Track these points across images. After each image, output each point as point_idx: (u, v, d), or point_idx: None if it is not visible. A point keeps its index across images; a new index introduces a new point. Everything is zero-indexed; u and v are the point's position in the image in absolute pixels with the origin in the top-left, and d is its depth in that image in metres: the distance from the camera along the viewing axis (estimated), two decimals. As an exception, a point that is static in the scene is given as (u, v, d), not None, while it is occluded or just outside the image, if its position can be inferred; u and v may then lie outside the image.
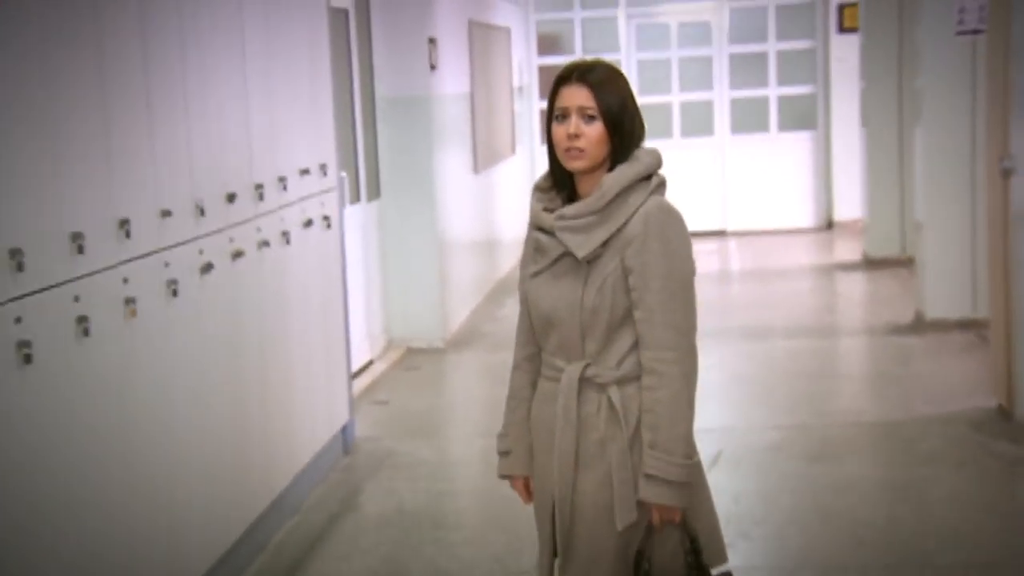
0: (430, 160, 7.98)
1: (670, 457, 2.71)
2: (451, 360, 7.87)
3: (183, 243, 4.01)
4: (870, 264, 10.18)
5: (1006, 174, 5.79)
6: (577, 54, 12.35)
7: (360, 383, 7.12)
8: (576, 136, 2.77)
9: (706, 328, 8.29)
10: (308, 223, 5.35)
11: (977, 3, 7.36)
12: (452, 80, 8.59)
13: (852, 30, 11.68)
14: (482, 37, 9.73)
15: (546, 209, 2.87)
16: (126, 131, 3.63)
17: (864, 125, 10.17)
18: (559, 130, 2.80)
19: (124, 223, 3.57)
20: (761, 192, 12.49)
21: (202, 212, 4.17)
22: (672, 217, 2.77)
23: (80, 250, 3.29)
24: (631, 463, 2.75)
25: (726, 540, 4.69)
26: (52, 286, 3.17)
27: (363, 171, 7.68)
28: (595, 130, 2.76)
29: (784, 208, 12.47)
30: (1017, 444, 5.61)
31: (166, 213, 3.88)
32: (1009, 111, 5.76)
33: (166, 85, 3.94)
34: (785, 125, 12.52)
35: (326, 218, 5.64)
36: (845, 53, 11.96)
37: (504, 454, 3.01)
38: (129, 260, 3.60)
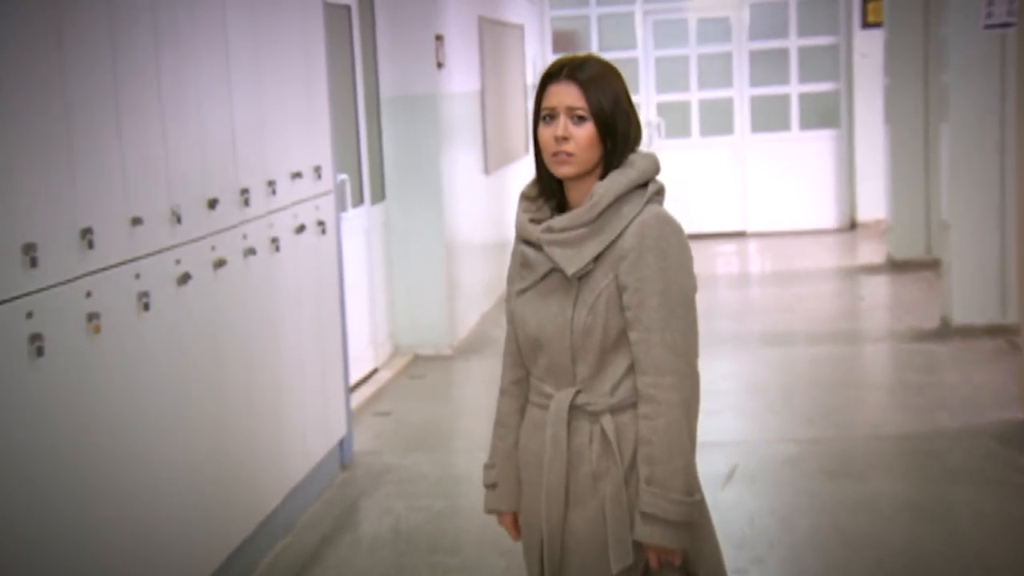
0: (437, 161, 7.74)
1: (668, 494, 2.45)
2: (459, 368, 7.62)
3: (156, 252, 3.77)
4: (894, 266, 9.87)
5: (1037, 174, 5.49)
6: (593, 51, 12.08)
7: (362, 393, 6.88)
8: (564, 139, 2.51)
9: (723, 333, 8.06)
10: (300, 229, 5.11)
11: (1006, -4, 7.06)
12: (461, 78, 8.35)
13: (876, 25, 11.40)
14: (493, 34, 9.49)
15: (533, 220, 2.62)
16: (90, 132, 3.39)
17: (888, 122, 9.87)
18: (546, 132, 2.55)
19: (87, 232, 3.33)
20: (782, 192, 12.22)
21: (179, 219, 3.93)
22: (670, 228, 2.51)
23: (34, 263, 3.05)
24: (626, 500, 2.50)
25: (739, 565, 4.47)
26: (2, 301, 2.93)
27: (366, 173, 7.44)
28: (585, 132, 2.51)
29: (805, 208, 12.19)
30: (1049, 460, 5.32)
31: (136, 221, 3.63)
32: (1040, 108, 5.46)
33: (137, 82, 3.70)
34: (807, 123, 12.25)
35: (321, 223, 5.39)
36: (869, 49, 11.68)
37: (491, 487, 2.77)
38: (92, 272, 3.36)
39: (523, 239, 2.63)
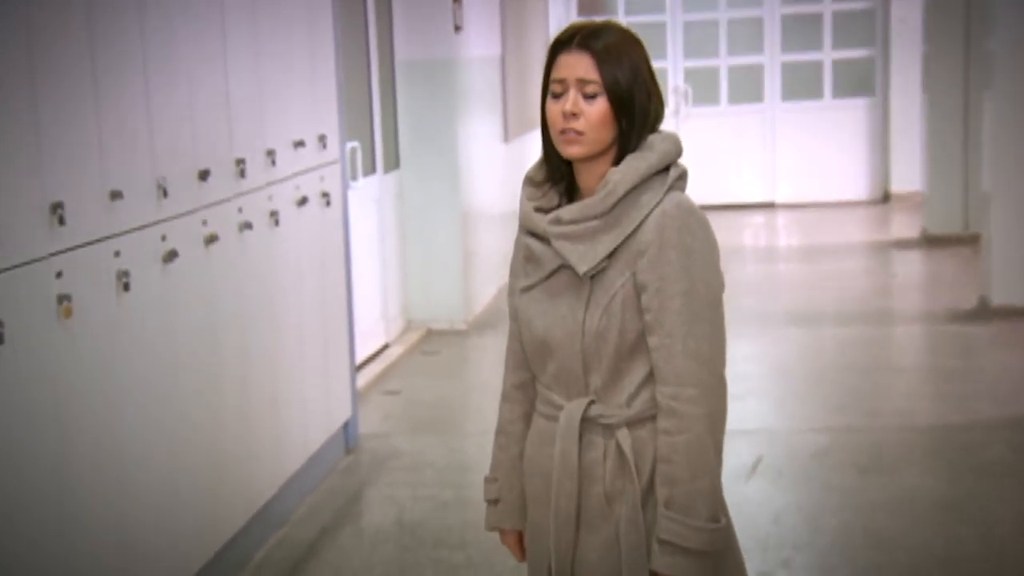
0: (454, 129, 7.43)
1: (690, 520, 2.17)
2: (473, 344, 7.34)
3: (138, 228, 3.48)
4: (929, 242, 9.49)
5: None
6: (620, 15, 11.72)
7: (371, 370, 6.61)
8: (573, 115, 2.21)
9: (747, 312, 7.70)
10: (303, 201, 4.82)
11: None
12: (480, 42, 8.02)
13: (914, -11, 10.99)
14: (515, -4, 9.15)
15: (539, 209, 2.31)
16: (60, 97, 3.10)
17: (926, 91, 9.48)
18: (554, 108, 2.25)
19: (57, 207, 3.04)
20: (813, 162, 11.86)
21: (165, 193, 3.64)
22: (694, 219, 2.20)
23: (-7, 243, 2.77)
24: (643, 524, 2.22)
25: (763, 569, 4.19)
26: (-47, 287, 2.66)
27: (379, 140, 7.14)
28: (597, 109, 2.20)
29: (837, 179, 11.84)
30: (1096, 456, 5.00)
31: (116, 195, 3.35)
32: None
33: (117, 42, 3.40)
34: (840, 91, 11.87)
35: (325, 195, 5.10)
36: (906, 14, 11.30)
37: (492, 502, 2.49)
38: (63, 251, 3.08)
39: (527, 230, 2.33)
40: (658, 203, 2.20)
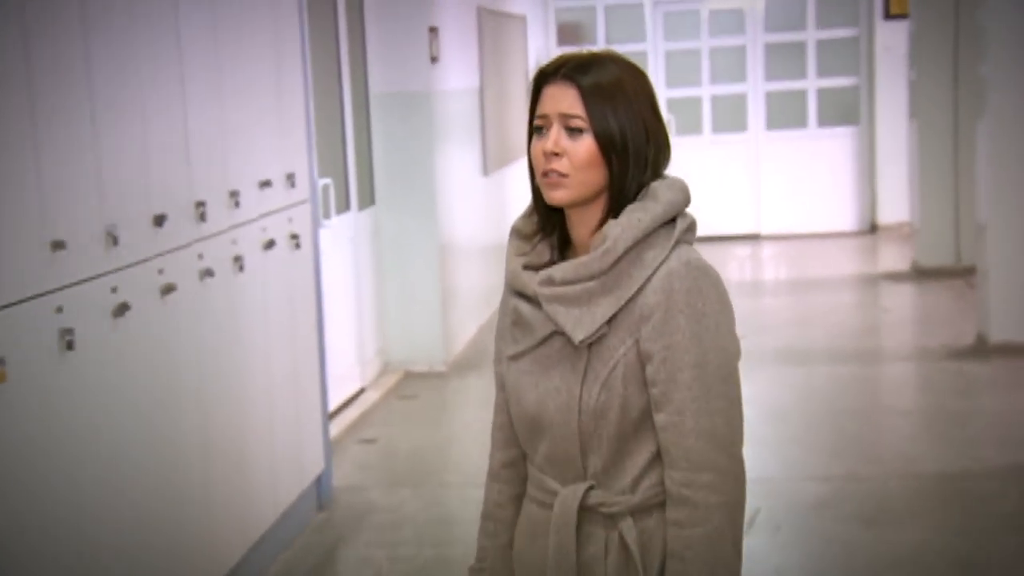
0: (431, 163, 7.16)
1: (705, 630, 1.88)
2: (453, 387, 7.03)
3: (83, 281, 3.18)
4: (921, 274, 9.23)
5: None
6: (600, 45, 11.50)
7: (347, 417, 6.31)
8: (555, 154, 1.93)
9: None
10: (270, 244, 4.52)
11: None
12: (457, 74, 7.77)
13: (900, 16, 10.86)
14: (494, 26, 8.91)
15: (528, 267, 2.03)
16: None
17: (914, 119, 9.27)
18: (537, 146, 1.98)
19: (-11, 262, 2.74)
20: (798, 193, 11.64)
21: (115, 240, 3.34)
22: (706, 279, 1.93)
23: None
24: (651, 631, 1.94)
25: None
26: None
27: (353, 176, 6.86)
28: (583, 148, 1.94)
29: (823, 210, 11.63)
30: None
31: (58, 245, 3.05)
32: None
33: (61, 84, 3.12)
34: (825, 120, 11.68)
35: (294, 237, 4.80)
36: (892, 42, 11.12)
37: (478, 597, 2.20)
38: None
39: (515, 291, 2.04)
40: (664, 261, 1.93)
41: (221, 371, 4.10)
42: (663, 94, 11.77)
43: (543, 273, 1.98)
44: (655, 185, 1.97)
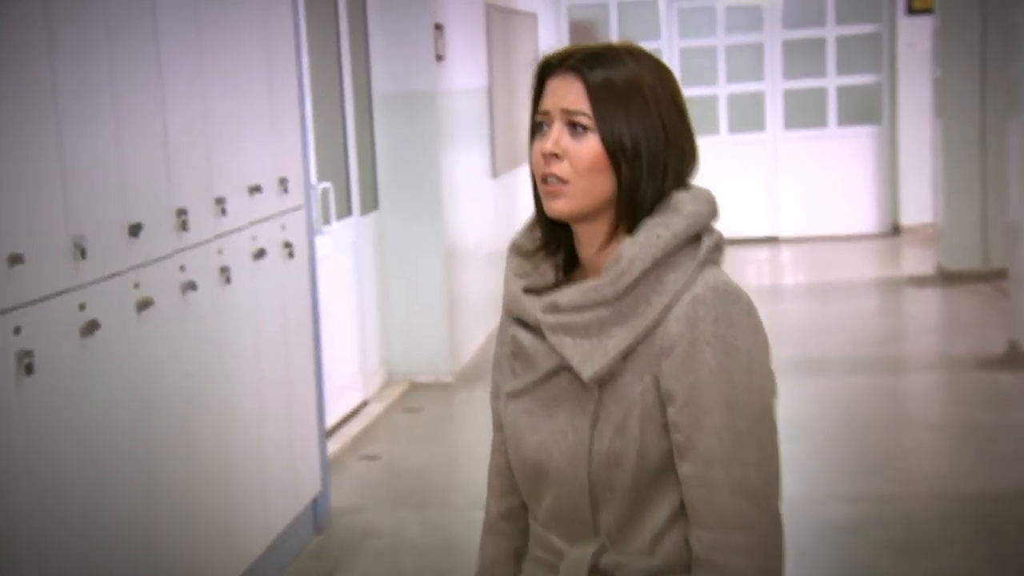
0: (437, 165, 6.88)
1: None
2: (460, 398, 6.75)
3: (47, 298, 2.91)
4: (946, 278, 8.90)
5: None
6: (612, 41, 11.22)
7: (347, 431, 6.04)
8: (554, 156, 1.66)
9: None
10: (260, 254, 4.24)
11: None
12: (465, 73, 7.50)
13: (923, 12, 10.57)
14: (503, 24, 8.64)
15: (529, 290, 1.75)
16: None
17: (940, 118, 8.95)
18: (536, 148, 1.70)
19: (-68, 280, 2.47)
20: (818, 194, 11.34)
21: (83, 253, 3.07)
22: (736, 305, 1.65)
23: None
24: None
25: None
26: None
27: (355, 180, 6.58)
28: (586, 149, 1.67)
29: (843, 212, 11.33)
30: None
31: (15, 259, 2.77)
32: None
33: (20, 78, 2.84)
34: (845, 119, 11.38)
35: (288, 245, 4.52)
36: (915, 38, 10.82)
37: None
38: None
39: (515, 317, 1.76)
40: (687, 284, 1.64)
41: (206, 391, 3.82)
42: (678, 93, 11.50)
43: (547, 298, 1.70)
44: (677, 196, 1.68)
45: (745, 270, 10.09)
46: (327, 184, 5.94)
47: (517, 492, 1.84)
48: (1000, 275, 7.88)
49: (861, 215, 11.35)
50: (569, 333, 1.66)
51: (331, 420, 5.76)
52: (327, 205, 5.94)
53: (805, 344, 7.52)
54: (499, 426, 1.84)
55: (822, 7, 11.36)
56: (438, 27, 6.91)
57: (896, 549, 4.41)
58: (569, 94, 1.67)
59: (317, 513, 4.86)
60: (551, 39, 11.09)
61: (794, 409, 6.17)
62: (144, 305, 3.37)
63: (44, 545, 2.86)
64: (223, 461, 3.94)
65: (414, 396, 6.76)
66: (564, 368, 1.69)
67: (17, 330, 2.78)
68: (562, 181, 1.66)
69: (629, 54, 1.72)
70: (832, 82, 11.42)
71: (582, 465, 1.67)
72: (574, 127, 1.67)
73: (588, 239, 1.72)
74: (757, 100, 11.58)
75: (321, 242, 5.60)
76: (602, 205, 1.68)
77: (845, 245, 10.90)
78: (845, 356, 7.22)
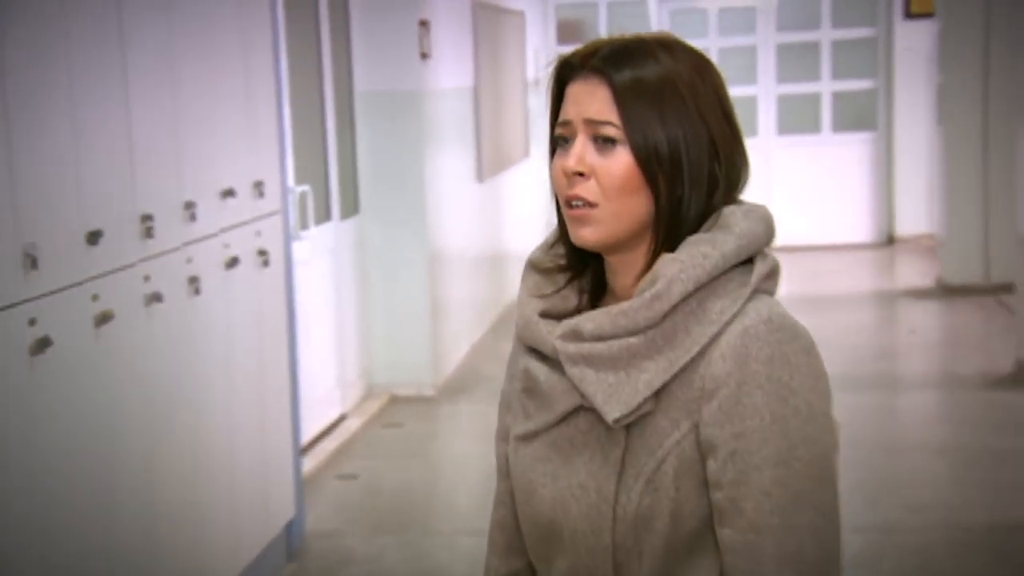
0: (420, 167, 6.61)
1: None
2: (443, 413, 6.46)
3: (-7, 313, 2.62)
4: (947, 291, 8.62)
5: None
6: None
7: (324, 448, 5.75)
8: (579, 175, 1.40)
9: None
10: (232, 262, 3.95)
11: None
12: (450, 72, 7.23)
13: (922, 15, 10.37)
14: (490, 22, 8.37)
15: (547, 315, 1.47)
16: None
17: (942, 125, 8.71)
18: (557, 165, 1.42)
19: None
20: (811, 202, 11.07)
21: (34, 263, 2.78)
22: (795, 343, 1.40)
23: None
24: None
25: None
26: None
27: (335, 183, 6.30)
28: (617, 166, 1.41)
29: (837, 220, 11.09)
30: None
31: (-47, 272, 2.48)
32: None
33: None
34: (840, 125, 11.15)
35: (262, 253, 4.23)
36: (912, 42, 10.60)
37: None
38: None
39: (529, 346, 1.48)
40: (736, 315, 1.38)
41: (170, 413, 3.53)
42: (668, 97, 11.29)
43: (567, 323, 1.42)
44: (728, 211, 1.42)
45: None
46: (305, 187, 5.67)
47: (524, 553, 1.57)
48: (1003, 289, 7.63)
49: (855, 224, 11.13)
50: (592, 365, 1.39)
51: (307, 436, 5.47)
52: (305, 210, 5.66)
53: (801, 358, 7.26)
54: (505, 474, 1.57)
55: (817, 10, 11.15)
56: (423, 24, 6.64)
57: (908, 585, 4.15)
58: (593, 101, 1.40)
59: (291, 538, 4.58)
60: (539, 37, 10.85)
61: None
62: (103, 319, 3.09)
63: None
64: (190, 486, 3.65)
65: (395, 410, 6.47)
66: (585, 408, 1.42)
67: (-46, 351, 2.49)
68: (589, 205, 1.40)
69: (662, 47, 1.44)
70: (827, 87, 11.21)
71: (605, 526, 1.41)
72: (601, 140, 1.39)
73: (623, 269, 1.45)
74: (750, 104, 11.34)
75: (299, 248, 5.32)
76: (639, 229, 1.41)
77: (838, 255, 10.65)
78: (842, 373, 6.90)
